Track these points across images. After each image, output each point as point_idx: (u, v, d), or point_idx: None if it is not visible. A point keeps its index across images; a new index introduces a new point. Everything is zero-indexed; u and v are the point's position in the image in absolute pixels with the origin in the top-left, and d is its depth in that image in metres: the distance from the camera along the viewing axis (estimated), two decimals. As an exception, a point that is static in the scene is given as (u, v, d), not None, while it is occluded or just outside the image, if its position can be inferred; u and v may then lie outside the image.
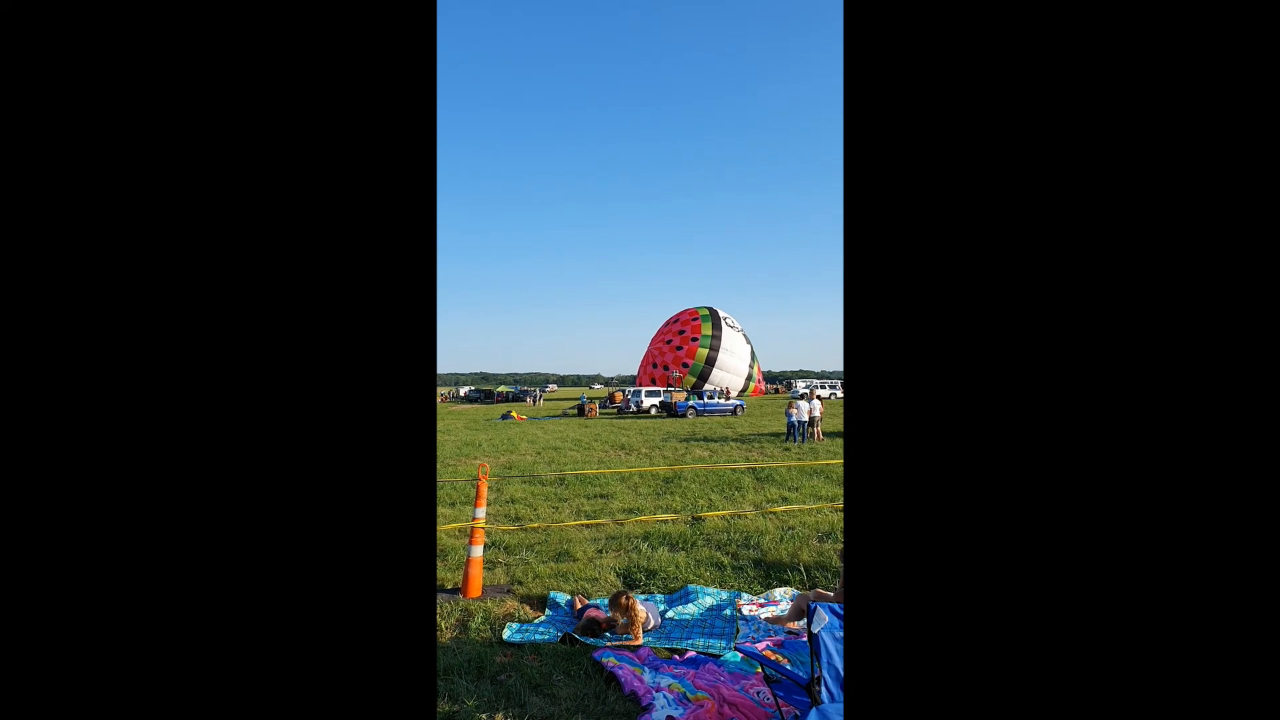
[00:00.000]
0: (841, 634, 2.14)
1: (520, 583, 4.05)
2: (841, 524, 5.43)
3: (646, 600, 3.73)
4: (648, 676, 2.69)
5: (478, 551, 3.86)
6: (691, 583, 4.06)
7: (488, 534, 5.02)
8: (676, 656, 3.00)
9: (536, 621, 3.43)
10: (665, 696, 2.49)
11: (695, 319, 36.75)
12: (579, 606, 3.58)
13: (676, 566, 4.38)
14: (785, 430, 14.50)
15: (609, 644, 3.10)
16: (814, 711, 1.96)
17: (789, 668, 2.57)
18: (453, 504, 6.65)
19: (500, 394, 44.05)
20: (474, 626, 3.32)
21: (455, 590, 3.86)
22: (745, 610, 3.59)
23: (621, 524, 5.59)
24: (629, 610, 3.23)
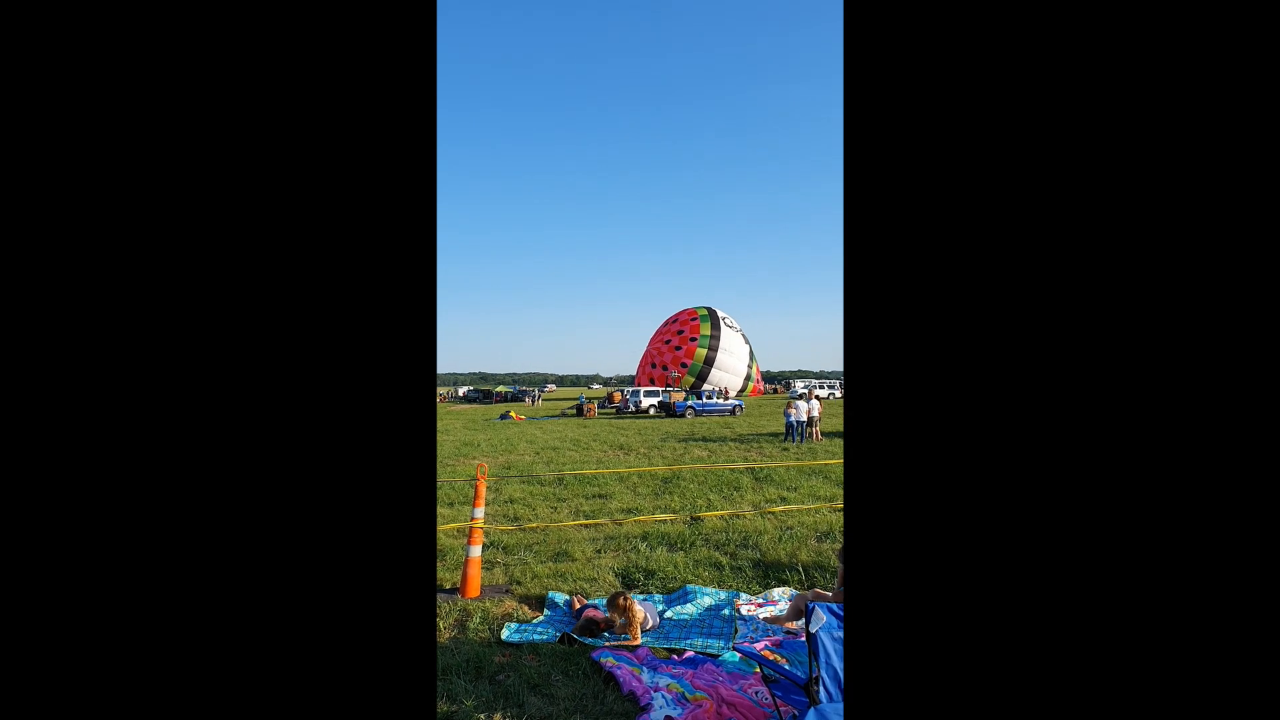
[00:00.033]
0: (839, 634, 2.14)
1: (519, 583, 4.05)
2: (839, 524, 5.44)
3: (645, 600, 3.73)
4: (646, 676, 2.69)
5: (476, 551, 3.86)
6: (690, 583, 4.06)
7: (486, 534, 5.02)
8: (675, 656, 3.00)
9: (535, 621, 3.43)
10: (664, 696, 2.49)
11: (694, 319, 36.77)
12: (577, 606, 3.58)
13: (675, 566, 4.38)
14: (784, 430, 14.51)
15: (607, 644, 3.10)
16: (812, 711, 1.97)
17: (787, 667, 2.58)
18: (451, 504, 6.64)
19: (499, 394, 44.03)
20: (472, 626, 3.32)
21: (453, 590, 3.86)
22: (743, 610, 3.59)
23: (620, 524, 5.59)
24: (626, 611, 3.23)
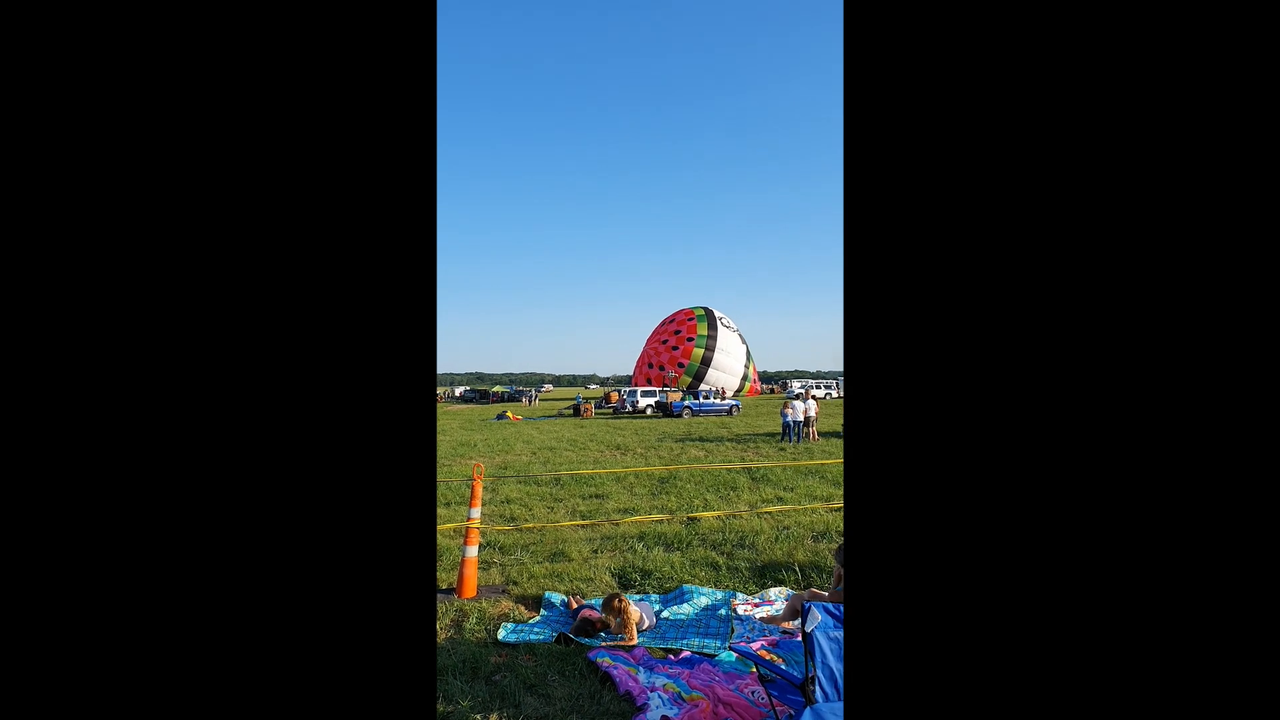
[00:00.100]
0: (835, 633, 2.15)
1: (515, 583, 4.05)
2: (836, 524, 5.45)
3: (641, 600, 3.73)
4: (643, 676, 2.69)
5: (472, 552, 3.85)
6: (687, 583, 4.06)
7: (483, 534, 5.01)
8: (671, 656, 3.01)
9: (531, 622, 3.43)
10: (660, 696, 2.49)
11: (691, 319, 36.81)
12: (574, 607, 3.58)
13: (672, 566, 4.38)
14: (780, 430, 14.53)
15: (604, 644, 3.10)
16: (808, 711, 1.97)
17: (784, 667, 2.58)
18: (448, 504, 6.63)
19: (496, 394, 43.98)
20: (469, 627, 3.32)
21: (450, 590, 3.85)
22: (740, 610, 3.59)
23: (617, 524, 5.59)
24: (621, 613, 3.23)
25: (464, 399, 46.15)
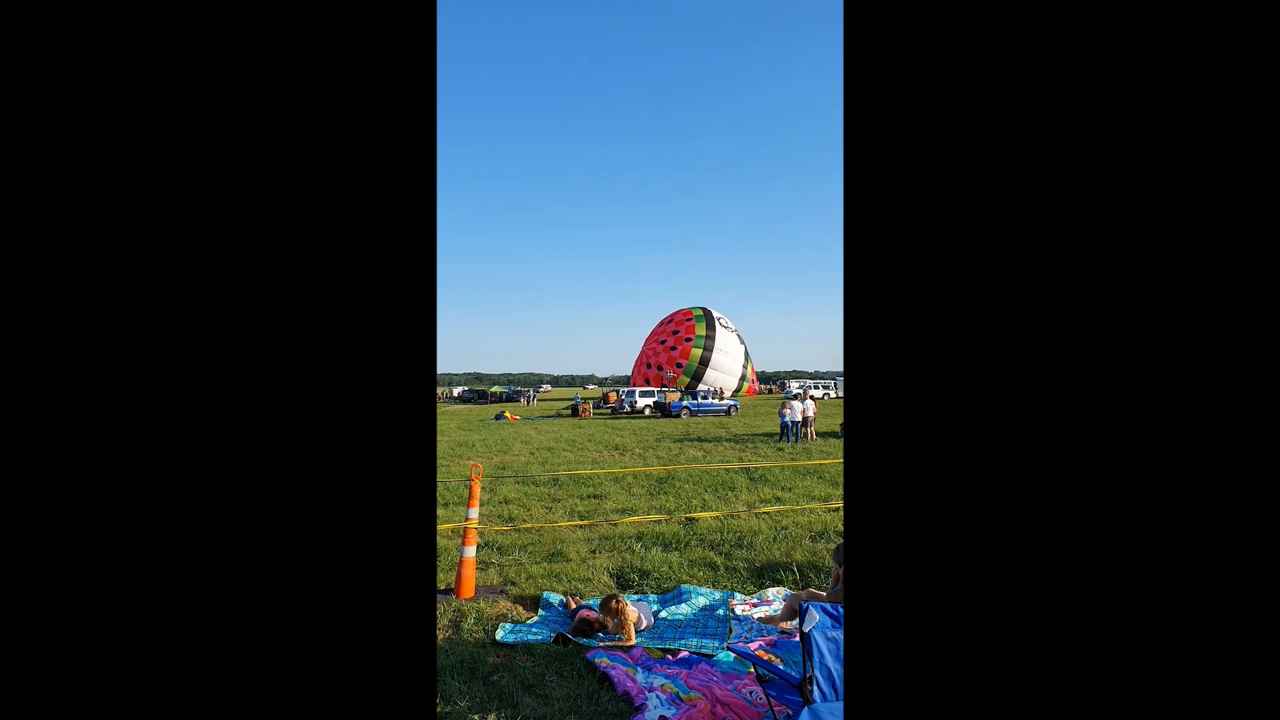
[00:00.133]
0: (833, 634, 2.15)
1: (513, 583, 4.04)
2: (834, 524, 5.46)
3: (640, 600, 3.73)
4: (641, 677, 2.69)
5: (470, 552, 3.85)
6: (685, 583, 4.06)
7: (481, 534, 5.01)
8: (669, 656, 3.01)
9: (529, 622, 3.43)
10: (658, 696, 2.49)
11: (689, 319, 36.83)
12: (572, 607, 3.58)
13: (670, 567, 4.38)
14: (779, 430, 14.54)
15: (602, 644, 3.10)
16: (806, 711, 1.97)
17: (781, 667, 2.58)
18: (446, 504, 6.62)
19: (494, 394, 43.93)
20: (467, 627, 3.31)
21: (448, 591, 3.85)
22: (738, 610, 3.59)
23: (615, 524, 5.59)
24: (619, 613, 3.23)
25: (462, 399, 46.10)
